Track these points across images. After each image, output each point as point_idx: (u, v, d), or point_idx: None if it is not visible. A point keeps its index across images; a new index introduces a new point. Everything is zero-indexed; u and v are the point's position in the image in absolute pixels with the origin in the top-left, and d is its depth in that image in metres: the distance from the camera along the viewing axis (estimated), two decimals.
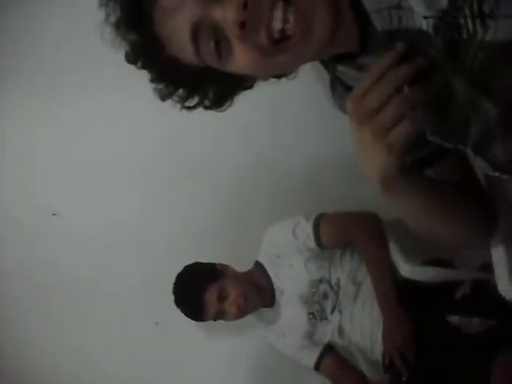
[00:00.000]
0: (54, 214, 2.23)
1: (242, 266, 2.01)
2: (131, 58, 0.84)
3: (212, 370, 2.23)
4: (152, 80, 0.86)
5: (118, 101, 1.99)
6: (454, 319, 1.69)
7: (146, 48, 0.82)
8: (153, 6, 0.77)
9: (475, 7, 0.70)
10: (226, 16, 0.73)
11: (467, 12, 0.71)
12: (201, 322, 1.98)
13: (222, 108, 0.90)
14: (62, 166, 2.22)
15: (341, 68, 0.91)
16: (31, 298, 2.22)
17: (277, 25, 0.74)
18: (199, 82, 0.86)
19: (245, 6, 0.72)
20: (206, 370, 2.22)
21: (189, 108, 0.88)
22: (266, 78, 0.89)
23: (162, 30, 0.79)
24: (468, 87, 0.77)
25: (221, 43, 0.77)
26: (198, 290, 1.88)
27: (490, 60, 0.74)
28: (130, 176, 2.21)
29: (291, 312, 1.95)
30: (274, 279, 1.98)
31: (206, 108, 0.89)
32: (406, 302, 1.76)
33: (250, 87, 0.91)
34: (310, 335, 1.94)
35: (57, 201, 2.23)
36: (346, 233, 1.88)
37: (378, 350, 1.85)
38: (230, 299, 1.88)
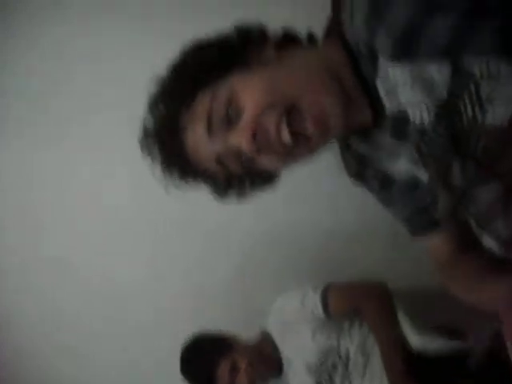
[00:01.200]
0: (61, 260, 2.21)
1: (249, 334, 2.00)
2: (182, 183, 0.96)
3: None
4: (204, 185, 0.99)
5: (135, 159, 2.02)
6: None
7: (190, 176, 0.95)
8: (182, 147, 0.90)
9: (473, 93, 0.74)
10: (241, 143, 0.84)
11: (466, 98, 0.75)
12: None
13: (270, 186, 1.01)
14: (72, 214, 2.22)
15: (352, 139, 0.96)
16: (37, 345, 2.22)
17: (287, 139, 0.83)
18: (244, 176, 0.96)
19: (254, 137, 0.82)
20: None
21: (246, 194, 1.00)
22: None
23: (198, 164, 0.92)
24: (473, 170, 0.80)
25: (244, 161, 0.88)
26: (211, 366, 1.85)
27: (492, 142, 0.77)
28: (141, 236, 2.21)
29: (299, 382, 1.90)
30: (281, 348, 1.95)
31: (260, 189, 1.01)
32: (416, 373, 1.72)
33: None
34: None
35: (64, 248, 2.22)
36: (353, 302, 1.87)
37: None
38: (240, 372, 1.85)
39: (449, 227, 1.02)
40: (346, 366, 1.86)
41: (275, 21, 0.93)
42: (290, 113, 0.82)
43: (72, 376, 2.28)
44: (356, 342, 1.87)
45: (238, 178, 0.96)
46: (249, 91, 0.83)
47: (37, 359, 2.28)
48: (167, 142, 0.91)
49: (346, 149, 1.01)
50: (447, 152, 0.80)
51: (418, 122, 0.81)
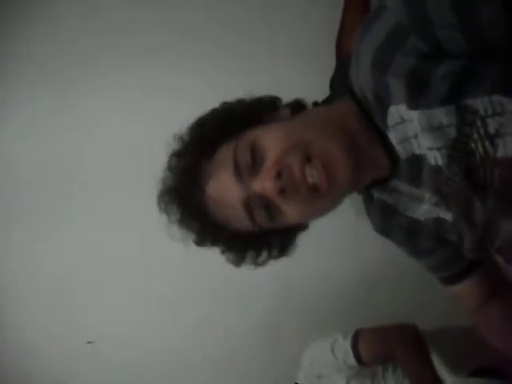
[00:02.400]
0: (90, 342, 2.23)
1: None
2: (199, 243, 0.97)
3: None
4: (222, 252, 0.98)
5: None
6: None
7: (209, 232, 0.95)
8: (203, 199, 0.91)
9: (481, 130, 0.75)
10: (265, 187, 0.85)
11: (475, 136, 0.76)
12: None
13: (290, 253, 1.01)
14: (98, 294, 2.26)
15: (374, 192, 0.97)
16: None
17: (310, 180, 0.85)
18: (262, 241, 0.97)
19: (279, 175, 0.83)
20: None
21: (260, 264, 0.99)
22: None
23: (219, 215, 0.92)
24: (493, 203, 0.80)
25: (270, 208, 0.88)
26: None
27: (507, 172, 0.77)
28: (168, 300, 2.23)
29: None
30: None
31: (276, 258, 1.00)
32: None
33: (307, 227, 1.01)
34: None
35: (91, 329, 2.24)
36: (385, 347, 1.83)
37: None
38: None
39: (477, 271, 1.02)
40: None
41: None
42: (307, 158, 0.84)
43: None
44: None
45: (256, 242, 0.96)
46: (270, 136, 0.86)
47: None
48: (187, 195, 0.92)
49: (369, 201, 1.02)
50: (465, 189, 0.80)
51: (433, 163, 0.81)
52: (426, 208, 0.92)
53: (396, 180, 0.93)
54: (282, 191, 0.84)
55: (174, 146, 0.95)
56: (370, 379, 1.85)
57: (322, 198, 0.86)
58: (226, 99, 0.96)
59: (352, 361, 1.83)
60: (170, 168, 0.95)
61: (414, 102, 0.77)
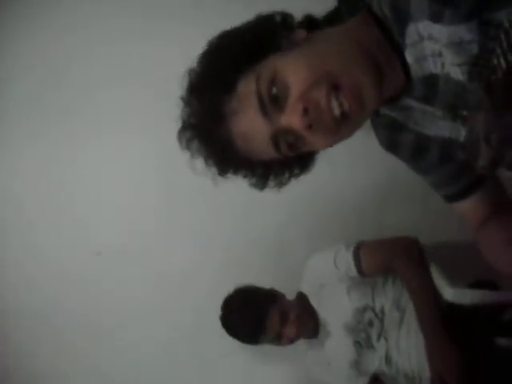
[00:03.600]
0: (98, 254, 2.28)
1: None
2: (221, 172, 0.96)
3: None
4: (244, 177, 0.98)
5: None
6: (502, 341, 1.65)
7: (233, 163, 0.95)
8: (227, 135, 0.90)
9: (504, 44, 0.73)
10: (292, 123, 0.85)
11: (498, 50, 0.74)
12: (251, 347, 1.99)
13: (310, 170, 1.02)
14: (104, 206, 2.29)
15: (383, 110, 0.96)
16: (62, 335, 2.27)
17: (336, 112, 0.84)
18: (284, 165, 0.98)
19: (306, 111, 0.82)
20: None
21: (283, 185, 1.01)
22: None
23: (243, 148, 0.91)
24: (509, 119, 0.80)
25: (296, 139, 0.88)
26: (262, 313, 1.88)
27: None
28: (174, 209, 2.27)
29: (337, 341, 1.93)
30: (317, 309, 1.98)
31: (298, 176, 1.01)
32: (451, 326, 1.73)
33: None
34: (356, 364, 1.91)
35: (99, 241, 2.29)
36: (386, 259, 1.87)
37: (426, 377, 1.81)
38: (289, 321, 1.89)
39: (481, 189, 1.03)
40: (382, 322, 1.88)
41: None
42: (333, 88, 0.83)
43: None
44: (390, 298, 1.89)
45: (278, 166, 0.96)
46: (291, 68, 0.84)
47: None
48: (212, 132, 0.90)
49: (376, 118, 1.01)
50: (484, 105, 0.80)
51: (455, 78, 0.81)
52: (440, 124, 0.92)
53: (407, 98, 0.92)
54: (309, 127, 0.84)
55: (191, 79, 0.92)
56: (370, 290, 1.90)
57: (348, 125, 0.86)
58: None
59: (353, 271, 1.88)
60: (189, 104, 0.92)
61: (439, 15, 0.75)
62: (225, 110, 0.88)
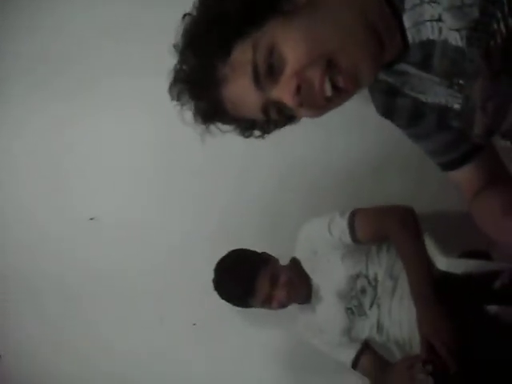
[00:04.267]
0: (92, 219, 2.28)
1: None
2: (209, 124, 0.96)
3: (247, 368, 2.25)
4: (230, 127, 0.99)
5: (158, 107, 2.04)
6: (493, 309, 1.67)
7: (224, 122, 0.96)
8: (221, 98, 0.90)
9: (506, 8, 0.72)
10: (283, 98, 0.86)
11: (499, 15, 0.73)
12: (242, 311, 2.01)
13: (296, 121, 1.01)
14: (99, 171, 2.29)
15: (380, 76, 0.95)
16: (62, 300, 2.27)
17: (328, 93, 0.85)
18: (269, 121, 0.97)
19: (298, 88, 0.83)
20: (240, 370, 2.24)
21: (268, 133, 1.02)
22: None
23: (232, 110, 0.92)
24: (508, 86, 0.79)
25: (286, 108, 0.88)
26: (252, 274, 1.88)
27: None
28: (171, 176, 2.26)
29: (328, 308, 1.95)
30: (310, 275, 1.99)
31: (283, 127, 1.01)
32: (442, 295, 1.73)
33: None
34: (348, 331, 1.93)
35: (94, 205, 2.29)
36: (380, 227, 1.87)
37: (416, 344, 1.82)
38: (279, 284, 1.90)
39: (477, 157, 1.03)
40: (375, 289, 1.89)
41: None
42: (329, 67, 0.83)
43: None
44: (384, 265, 1.90)
45: (264, 122, 0.96)
46: (290, 42, 0.83)
47: None
48: (202, 93, 0.90)
49: (373, 84, 1.00)
50: (482, 71, 0.79)
51: (454, 44, 0.80)
52: (437, 90, 0.91)
53: (403, 64, 0.91)
54: (300, 105, 0.85)
55: (187, 29, 0.90)
56: (364, 257, 1.91)
57: (341, 98, 0.87)
58: None
59: (347, 239, 1.88)
60: (183, 58, 0.91)
61: None
62: (218, 75, 0.87)
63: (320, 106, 0.87)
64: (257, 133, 1.00)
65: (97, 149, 2.28)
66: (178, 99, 0.93)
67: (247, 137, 1.01)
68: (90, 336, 2.27)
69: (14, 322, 2.29)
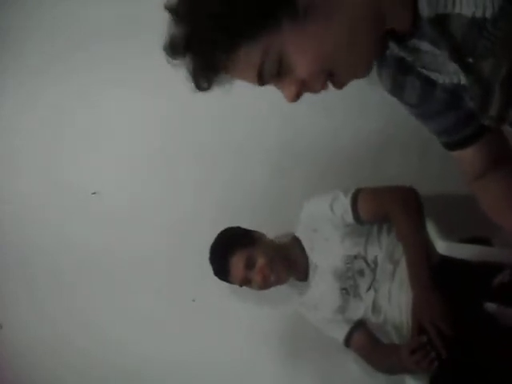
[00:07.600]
0: (94, 193, 2.28)
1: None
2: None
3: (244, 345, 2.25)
4: None
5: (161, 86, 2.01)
6: (491, 307, 1.64)
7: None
8: (219, 72, 0.86)
9: None
10: (283, 93, 0.88)
11: None
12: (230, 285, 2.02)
13: None
14: (102, 146, 2.28)
15: (390, 51, 0.93)
16: (62, 275, 2.28)
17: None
18: None
19: (299, 94, 0.87)
20: (239, 345, 2.24)
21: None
22: None
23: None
24: None
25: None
26: (226, 252, 1.91)
27: None
28: (171, 154, 2.25)
29: (324, 286, 1.95)
30: (309, 253, 1.99)
31: None
32: (440, 279, 1.72)
33: None
34: (342, 310, 1.93)
35: (96, 180, 2.29)
36: (383, 207, 1.86)
37: None
38: (256, 268, 1.90)
39: (484, 138, 1.01)
40: (374, 272, 1.88)
41: None
42: (329, 75, 0.86)
43: None
44: (384, 248, 1.88)
45: None
46: (300, 56, 0.83)
47: None
48: (198, 66, 0.86)
49: (382, 60, 0.98)
50: (501, 48, 0.77)
51: (465, 18, 0.78)
52: (449, 69, 0.90)
53: (415, 40, 0.89)
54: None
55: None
56: (364, 239, 1.90)
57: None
58: None
59: (349, 218, 1.87)
60: (182, 27, 0.84)
61: None
62: (218, 63, 0.84)
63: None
64: None
65: (100, 125, 2.27)
66: (174, 58, 0.86)
67: None
68: (89, 309, 2.28)
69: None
